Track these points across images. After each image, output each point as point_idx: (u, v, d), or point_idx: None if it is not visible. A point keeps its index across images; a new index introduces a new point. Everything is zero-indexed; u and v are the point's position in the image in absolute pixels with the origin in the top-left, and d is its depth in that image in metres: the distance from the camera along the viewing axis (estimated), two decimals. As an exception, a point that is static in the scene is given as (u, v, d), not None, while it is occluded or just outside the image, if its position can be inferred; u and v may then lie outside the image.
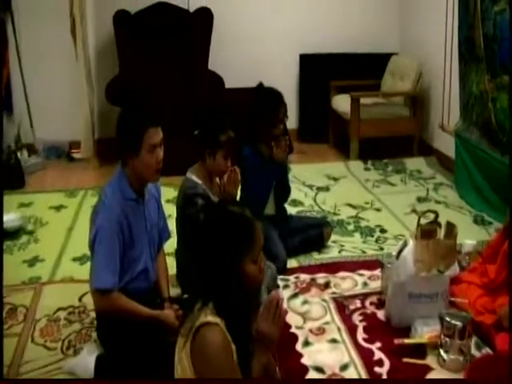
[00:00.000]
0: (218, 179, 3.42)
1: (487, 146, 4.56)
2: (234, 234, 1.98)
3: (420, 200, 4.93)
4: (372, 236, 4.32)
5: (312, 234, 4.09)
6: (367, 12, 6.23)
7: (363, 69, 6.11)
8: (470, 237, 3.97)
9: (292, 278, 3.74)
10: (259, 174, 3.74)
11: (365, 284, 3.65)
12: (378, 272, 3.65)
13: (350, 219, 4.59)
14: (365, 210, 4.76)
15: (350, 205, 4.85)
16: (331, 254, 4.06)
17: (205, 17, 5.59)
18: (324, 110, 6.19)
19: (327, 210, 4.76)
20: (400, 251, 3.19)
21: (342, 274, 3.76)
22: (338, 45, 6.15)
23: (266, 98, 3.76)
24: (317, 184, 5.29)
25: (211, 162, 3.26)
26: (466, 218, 4.60)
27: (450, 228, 3.18)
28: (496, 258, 3.27)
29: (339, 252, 4.09)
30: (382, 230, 4.40)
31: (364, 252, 4.09)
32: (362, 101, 5.64)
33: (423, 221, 3.18)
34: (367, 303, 3.44)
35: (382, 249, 4.12)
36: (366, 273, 3.76)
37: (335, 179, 5.42)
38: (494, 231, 4.27)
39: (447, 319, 2.84)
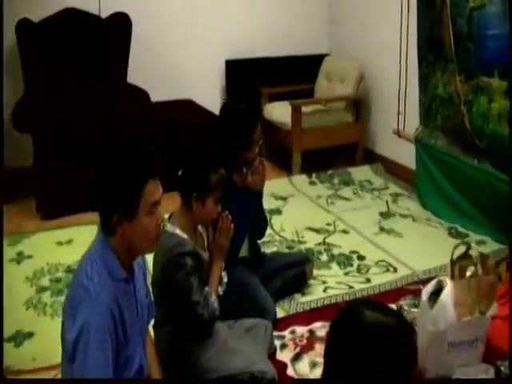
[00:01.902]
0: (200, 227, 2.73)
1: (460, 153, 4.19)
2: None
3: (384, 215, 4.52)
4: (351, 265, 3.83)
5: (292, 273, 3.51)
6: (295, 12, 5.69)
7: (294, 73, 5.60)
8: (449, 252, 3.59)
9: (287, 333, 3.16)
10: (234, 208, 2.88)
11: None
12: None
13: (319, 247, 4.06)
14: (331, 233, 4.25)
15: (311, 229, 4.32)
16: (316, 294, 3.52)
17: (120, 23, 4.79)
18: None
19: (290, 239, 4.19)
20: (433, 293, 2.69)
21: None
22: (265, 48, 5.56)
23: (237, 117, 3.09)
24: (265, 206, 4.65)
25: (199, 209, 2.60)
26: (439, 231, 4.25)
27: (484, 259, 2.77)
28: None
29: (324, 291, 3.55)
30: (360, 257, 3.93)
31: (351, 287, 3.59)
32: (303, 109, 5.08)
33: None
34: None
35: (369, 280, 3.65)
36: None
37: (283, 198, 4.85)
38: (474, 244, 3.92)
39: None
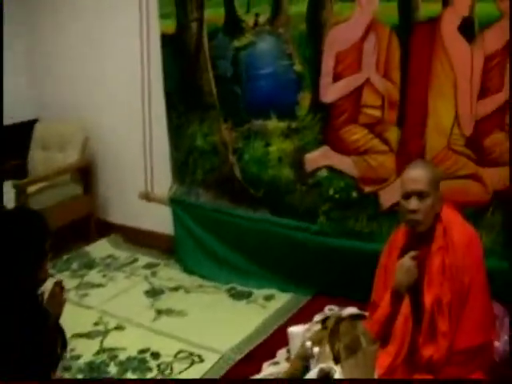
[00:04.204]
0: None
1: (230, 206, 3.87)
2: None
3: (151, 295, 3.87)
4: (150, 369, 3.09)
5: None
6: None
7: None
8: (241, 317, 3.44)
9: None
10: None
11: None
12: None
13: (99, 356, 3.21)
14: (105, 334, 3.43)
15: (80, 335, 3.40)
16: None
17: None
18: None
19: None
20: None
21: None
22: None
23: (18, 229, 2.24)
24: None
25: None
26: (219, 296, 3.81)
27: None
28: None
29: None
30: (154, 355, 3.22)
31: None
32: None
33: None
34: None
35: (179, 383, 3.00)
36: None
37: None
38: (262, 300, 3.67)
39: None
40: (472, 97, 2.90)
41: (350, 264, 3.41)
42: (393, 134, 3.21)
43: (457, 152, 3.03)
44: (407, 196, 2.38)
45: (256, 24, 3.51)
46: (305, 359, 2.62)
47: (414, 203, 2.36)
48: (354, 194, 3.41)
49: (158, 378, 3.00)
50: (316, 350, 2.50)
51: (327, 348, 2.51)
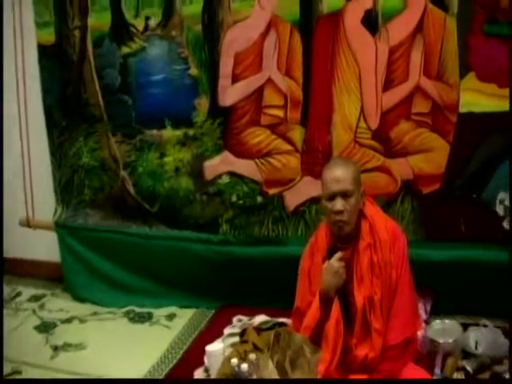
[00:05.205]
0: None
1: (122, 225, 3.63)
2: None
3: (43, 330, 3.49)
4: None
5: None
6: None
7: None
8: (147, 341, 3.23)
9: None
10: None
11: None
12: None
13: None
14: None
15: None
16: None
17: None
18: None
19: None
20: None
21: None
22: None
23: None
24: None
25: None
26: (117, 322, 3.53)
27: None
28: None
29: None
30: None
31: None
32: None
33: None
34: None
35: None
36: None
37: None
38: (165, 320, 3.46)
39: None
40: (377, 89, 2.94)
41: (256, 271, 3.30)
42: (297, 134, 3.16)
43: (364, 145, 3.04)
44: (332, 197, 2.30)
45: (146, 28, 3.35)
46: (232, 377, 2.43)
47: (339, 204, 2.28)
48: (259, 199, 3.31)
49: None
50: (245, 366, 2.32)
51: (269, 363, 2.33)
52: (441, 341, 2.59)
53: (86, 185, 3.70)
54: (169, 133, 3.41)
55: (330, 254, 2.36)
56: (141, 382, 2.89)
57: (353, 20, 2.91)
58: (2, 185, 3.73)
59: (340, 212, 2.28)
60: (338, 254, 2.32)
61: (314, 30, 3.00)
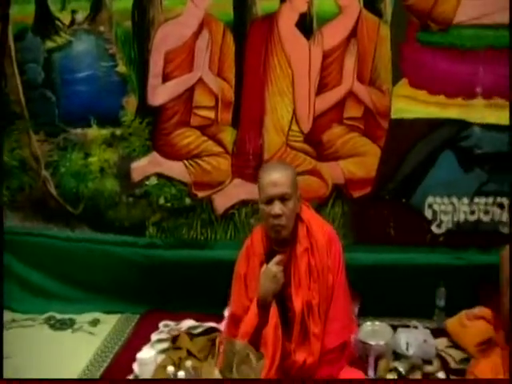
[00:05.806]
0: None
1: (43, 228, 3.50)
2: None
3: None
4: None
5: None
6: None
7: None
8: (75, 349, 3.10)
9: None
10: None
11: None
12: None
13: None
14: None
15: None
16: None
17: None
18: None
19: None
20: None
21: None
22: None
23: None
24: None
25: None
26: (38, 328, 3.36)
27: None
28: None
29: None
30: None
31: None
32: None
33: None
34: None
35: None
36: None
37: None
38: (88, 326, 3.34)
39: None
40: (310, 93, 2.95)
41: (184, 275, 3.25)
42: (228, 135, 3.13)
43: (295, 148, 3.05)
44: (270, 201, 2.26)
45: (73, 22, 3.22)
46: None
47: (277, 207, 2.24)
48: (187, 201, 3.26)
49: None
50: (182, 374, 2.26)
51: (215, 371, 2.26)
52: (372, 343, 2.61)
53: (3, 185, 3.51)
54: (94, 132, 3.31)
55: (268, 258, 2.33)
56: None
57: (287, 23, 2.91)
58: None
59: (278, 216, 2.25)
60: (277, 258, 2.28)
61: (248, 32, 2.99)
